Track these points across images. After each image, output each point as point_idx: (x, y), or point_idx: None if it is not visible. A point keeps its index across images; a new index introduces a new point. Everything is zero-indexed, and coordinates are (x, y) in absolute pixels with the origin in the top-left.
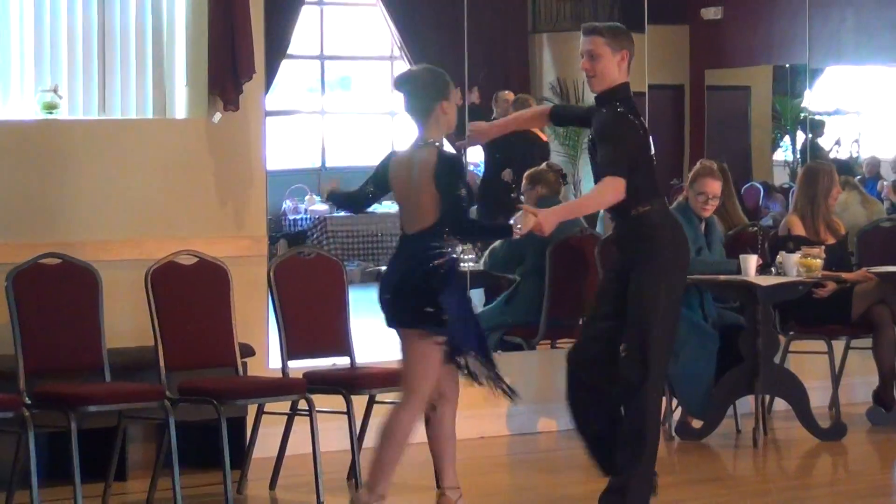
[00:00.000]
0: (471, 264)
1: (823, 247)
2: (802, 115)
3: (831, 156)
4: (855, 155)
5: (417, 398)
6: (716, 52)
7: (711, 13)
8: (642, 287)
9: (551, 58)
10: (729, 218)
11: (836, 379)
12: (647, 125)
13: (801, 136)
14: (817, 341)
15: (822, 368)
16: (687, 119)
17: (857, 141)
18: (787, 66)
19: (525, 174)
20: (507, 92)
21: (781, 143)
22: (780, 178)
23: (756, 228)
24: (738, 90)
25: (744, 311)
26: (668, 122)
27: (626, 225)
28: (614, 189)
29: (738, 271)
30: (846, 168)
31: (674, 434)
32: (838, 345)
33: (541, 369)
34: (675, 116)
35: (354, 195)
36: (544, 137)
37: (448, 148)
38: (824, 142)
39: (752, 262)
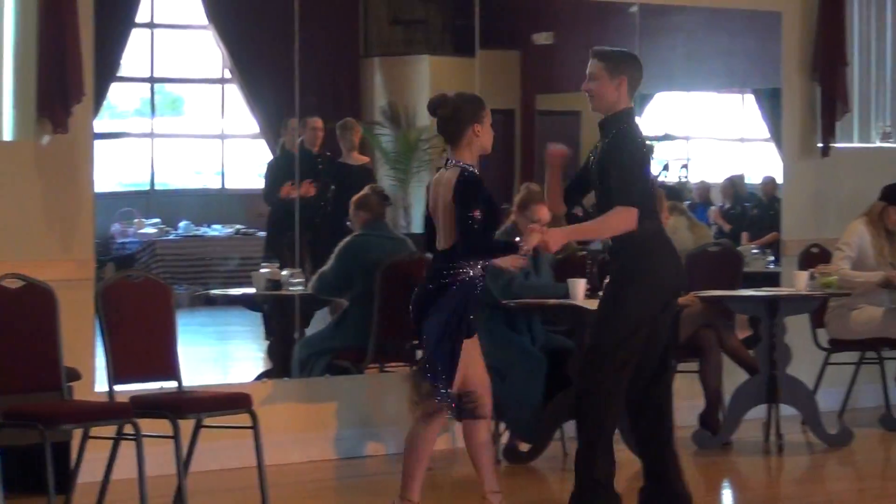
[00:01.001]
0: (300, 288)
1: None
2: None
3: (660, 180)
4: (684, 180)
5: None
6: (547, 77)
7: (543, 38)
8: (616, 292)
9: (383, 82)
10: None
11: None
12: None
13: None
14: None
15: (692, 387)
16: (518, 143)
17: (685, 166)
18: None
19: (351, 200)
20: (316, 119)
21: None
22: None
23: (585, 253)
24: (569, 115)
25: (572, 335)
26: (499, 147)
27: (620, 240)
28: (626, 219)
29: (567, 295)
30: (675, 193)
31: (501, 457)
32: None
33: (369, 393)
34: (506, 141)
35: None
36: (365, 159)
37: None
38: (654, 167)
39: (580, 286)
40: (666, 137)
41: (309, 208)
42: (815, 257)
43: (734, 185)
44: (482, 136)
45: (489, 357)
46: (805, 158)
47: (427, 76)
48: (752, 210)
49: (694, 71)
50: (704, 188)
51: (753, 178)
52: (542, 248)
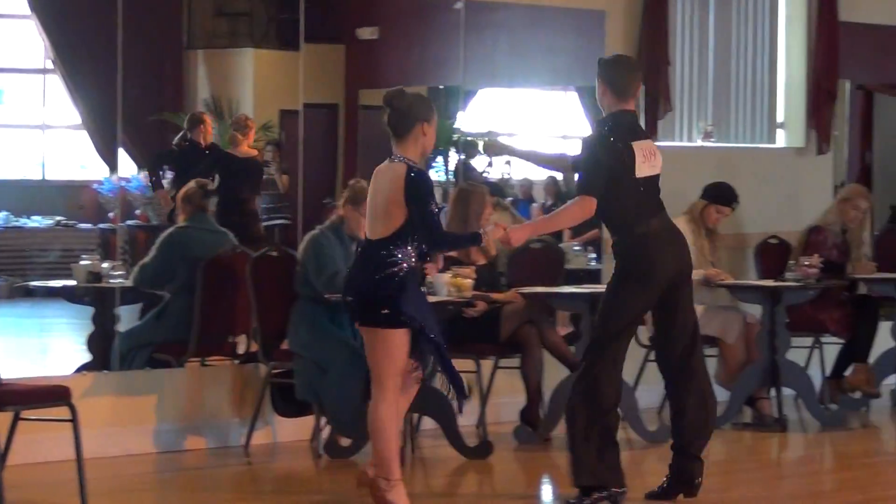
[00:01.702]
0: (120, 280)
1: (474, 267)
2: (456, 136)
3: (485, 177)
4: (507, 176)
5: (389, 389)
6: (371, 72)
7: (367, 33)
8: (616, 288)
9: (206, 74)
10: None
11: (483, 398)
12: (630, 146)
13: (454, 157)
14: (466, 360)
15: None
16: (341, 138)
17: (508, 162)
18: (442, 87)
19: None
20: (204, 113)
21: (434, 164)
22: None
23: None
24: None
25: None
26: (322, 141)
27: (616, 242)
28: (582, 207)
29: None
30: (498, 189)
31: (322, 452)
32: (487, 364)
33: (189, 387)
34: (329, 135)
35: None
36: (254, 152)
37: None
38: (478, 163)
39: None
40: (489, 134)
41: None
42: None
43: (557, 183)
44: (428, 136)
45: (311, 351)
46: None
47: (251, 69)
48: None
49: (518, 68)
50: (527, 185)
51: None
52: (503, 242)
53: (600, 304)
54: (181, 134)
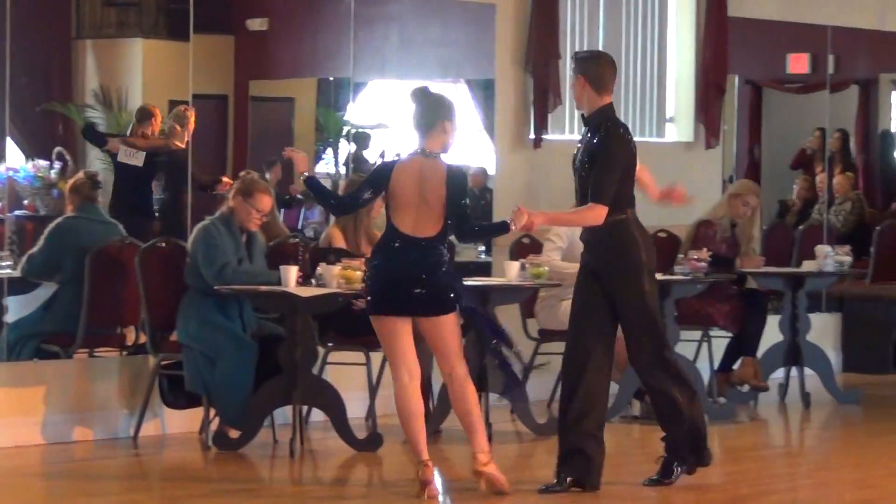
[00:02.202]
0: (8, 271)
1: (364, 259)
2: (346, 127)
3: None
4: None
5: (465, 367)
6: (261, 64)
7: (257, 24)
8: (628, 288)
9: (95, 65)
10: (270, 229)
11: (373, 390)
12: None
13: (343, 149)
14: (356, 352)
15: (360, 379)
16: (231, 130)
17: (398, 155)
18: (332, 78)
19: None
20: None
21: (324, 156)
22: None
23: (297, 240)
24: (283, 102)
25: (283, 322)
26: (212, 133)
27: (601, 230)
28: (596, 216)
29: (279, 282)
30: None
31: (211, 444)
32: (376, 356)
33: (78, 378)
34: (219, 127)
35: (349, 198)
36: (181, 145)
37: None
38: (369, 155)
39: (292, 273)
40: (379, 126)
41: (125, 193)
42: (526, 248)
43: None
44: (448, 134)
45: (200, 342)
46: (517, 150)
47: (140, 60)
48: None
49: (408, 60)
50: None
51: (465, 168)
52: (526, 227)
53: (636, 304)
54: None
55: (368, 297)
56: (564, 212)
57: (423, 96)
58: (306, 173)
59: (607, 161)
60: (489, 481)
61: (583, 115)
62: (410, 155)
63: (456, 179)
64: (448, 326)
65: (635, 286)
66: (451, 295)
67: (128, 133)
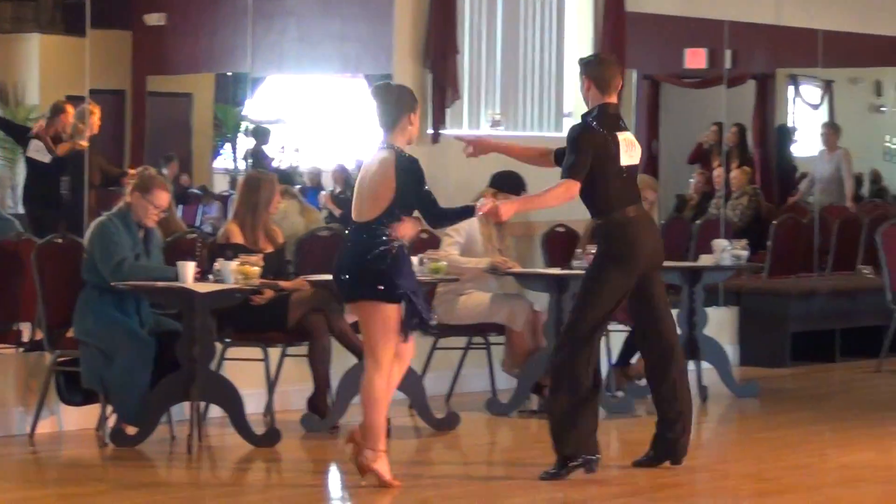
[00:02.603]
0: None
1: (262, 255)
2: (244, 122)
3: (274, 164)
4: (295, 164)
5: (384, 362)
6: (159, 59)
7: (155, 19)
8: (598, 273)
9: None
10: (167, 225)
11: (271, 386)
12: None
13: (242, 144)
14: (254, 348)
15: (258, 375)
16: (128, 125)
17: (297, 150)
18: (230, 73)
19: None
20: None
21: (222, 151)
22: (221, 185)
23: (195, 235)
24: (181, 97)
25: (180, 318)
26: (109, 128)
27: (599, 224)
28: (566, 190)
29: (177, 278)
30: (287, 177)
31: (108, 441)
32: (274, 352)
33: None
34: (116, 122)
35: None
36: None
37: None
38: (269, 150)
39: (189, 268)
40: (278, 121)
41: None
42: (424, 243)
43: (345, 170)
44: (414, 126)
45: (97, 339)
46: (415, 145)
47: (36, 55)
48: None
49: (306, 54)
50: (316, 173)
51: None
52: (492, 215)
53: (579, 289)
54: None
55: None
56: (535, 194)
57: (385, 92)
58: None
59: (573, 143)
60: (376, 477)
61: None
62: (378, 150)
63: (409, 168)
64: (367, 314)
65: (593, 270)
66: (379, 285)
67: (44, 127)
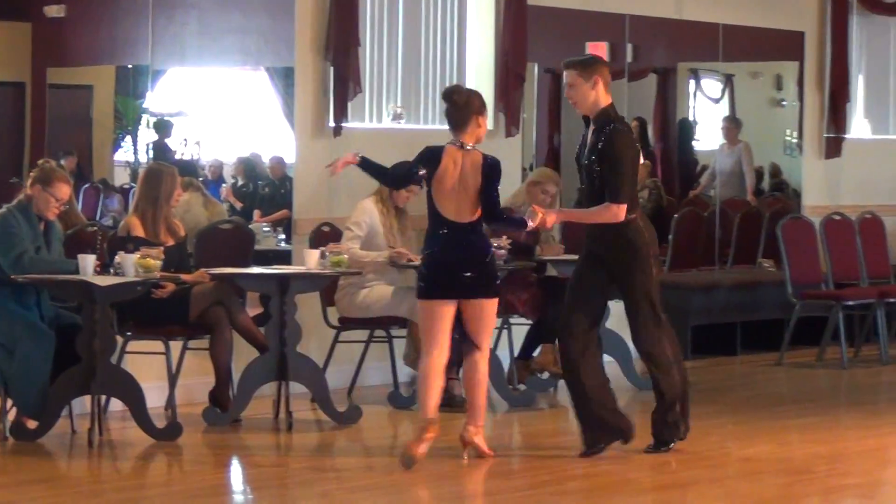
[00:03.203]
0: None
1: (163, 248)
2: (145, 115)
3: (177, 157)
4: (197, 157)
5: (488, 348)
6: (59, 51)
7: (55, 11)
8: (633, 277)
9: None
10: (68, 218)
11: (172, 379)
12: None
13: (143, 137)
14: (155, 341)
15: (159, 368)
16: (28, 117)
17: (198, 143)
18: (130, 66)
19: None
20: None
21: (123, 144)
22: (122, 178)
23: (95, 228)
24: (81, 89)
25: (80, 311)
26: (9, 121)
27: (613, 228)
28: (615, 215)
29: (77, 271)
30: (189, 169)
31: (8, 435)
32: (176, 345)
33: None
34: (16, 114)
35: (400, 171)
36: None
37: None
38: (172, 143)
39: (90, 261)
40: (179, 114)
41: None
42: (326, 236)
43: (247, 163)
44: (482, 127)
45: None
46: (317, 138)
47: None
48: (263, 188)
49: (207, 47)
50: (218, 165)
51: (266, 156)
52: (540, 225)
53: (636, 290)
54: None
55: (422, 284)
56: (581, 210)
57: (455, 94)
58: (359, 155)
59: (618, 156)
60: (476, 449)
61: (585, 116)
62: (450, 146)
63: (494, 169)
64: (489, 310)
65: (641, 273)
66: (497, 281)
67: None
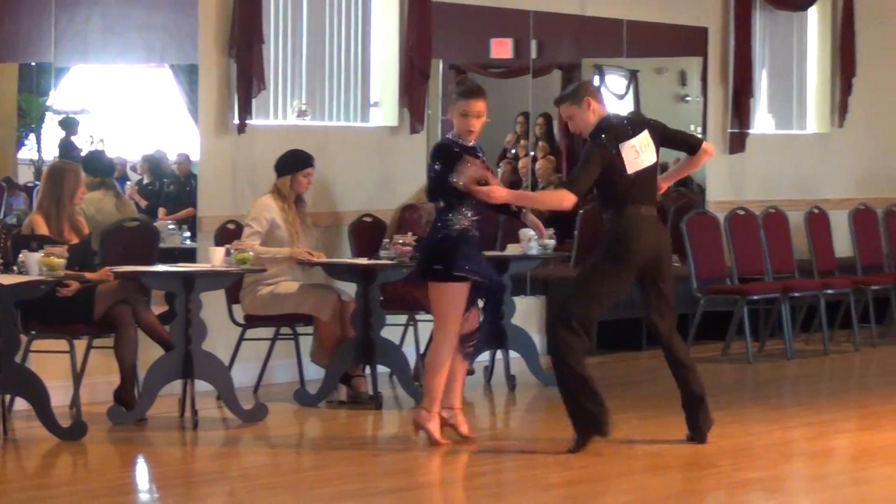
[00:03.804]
0: None
1: (67, 246)
2: (49, 113)
3: (83, 154)
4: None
5: (448, 334)
6: None
7: None
8: (589, 264)
9: None
10: None
11: (77, 378)
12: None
13: (47, 135)
14: (60, 340)
15: (64, 367)
16: None
17: (102, 141)
18: (33, 63)
19: None
20: None
21: (27, 142)
22: (25, 176)
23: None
24: None
25: None
26: None
27: (606, 220)
28: (562, 200)
29: None
30: (107, 168)
31: None
32: (80, 344)
33: None
34: None
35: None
36: None
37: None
38: (78, 141)
39: None
40: (83, 111)
41: None
42: (231, 233)
43: (152, 161)
44: (468, 118)
45: None
46: (221, 135)
47: None
48: (168, 186)
49: (111, 44)
50: (122, 163)
51: (171, 153)
52: (484, 196)
53: (576, 277)
54: None
55: None
56: (531, 192)
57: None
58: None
59: (583, 158)
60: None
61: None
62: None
63: (431, 154)
64: (430, 293)
65: (592, 260)
66: (436, 265)
67: None
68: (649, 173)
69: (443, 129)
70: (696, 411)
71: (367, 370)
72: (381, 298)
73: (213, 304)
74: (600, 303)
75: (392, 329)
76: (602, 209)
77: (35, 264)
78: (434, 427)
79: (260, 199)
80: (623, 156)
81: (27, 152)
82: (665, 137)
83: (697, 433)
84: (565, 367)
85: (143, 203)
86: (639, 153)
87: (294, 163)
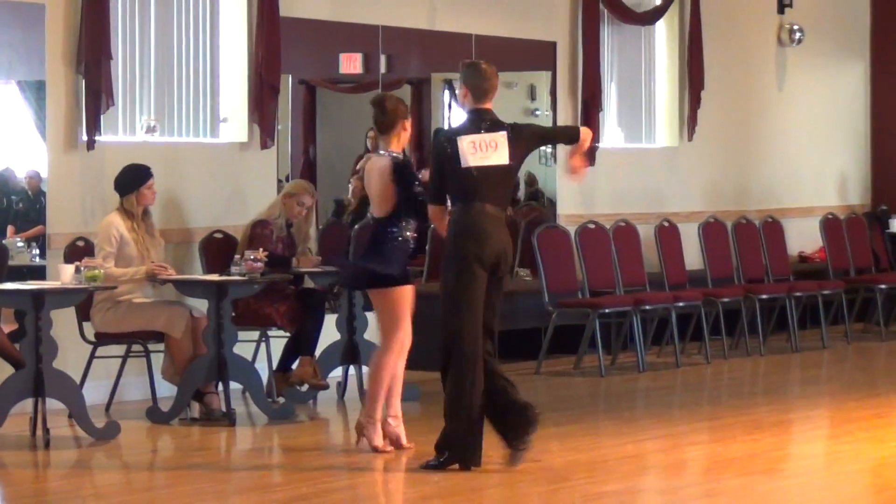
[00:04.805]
0: None
1: None
2: None
3: None
4: None
5: (393, 341)
6: None
7: None
8: (442, 279)
9: None
10: None
11: None
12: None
13: None
14: None
15: None
16: None
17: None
18: None
19: None
20: None
21: None
22: None
23: None
24: None
25: None
26: None
27: (450, 218)
28: (433, 214)
29: None
30: None
31: None
32: None
33: None
34: None
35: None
36: None
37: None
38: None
39: None
40: None
41: None
42: (80, 250)
43: (0, 178)
44: (407, 131)
45: None
46: (70, 151)
47: None
48: (17, 203)
49: None
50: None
51: (19, 170)
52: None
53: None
54: None
55: None
56: None
57: (383, 101)
58: None
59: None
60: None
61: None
62: (376, 153)
63: (400, 173)
64: (376, 302)
65: (443, 273)
66: (361, 273)
67: None
68: (502, 174)
69: (292, 145)
70: (522, 419)
71: (220, 387)
72: (233, 314)
73: (63, 322)
74: (470, 306)
75: (244, 345)
76: (452, 206)
77: None
78: (376, 434)
79: (106, 217)
80: (459, 147)
81: None
82: (542, 137)
83: (522, 441)
84: (456, 390)
85: None
86: (478, 149)
87: (136, 178)
